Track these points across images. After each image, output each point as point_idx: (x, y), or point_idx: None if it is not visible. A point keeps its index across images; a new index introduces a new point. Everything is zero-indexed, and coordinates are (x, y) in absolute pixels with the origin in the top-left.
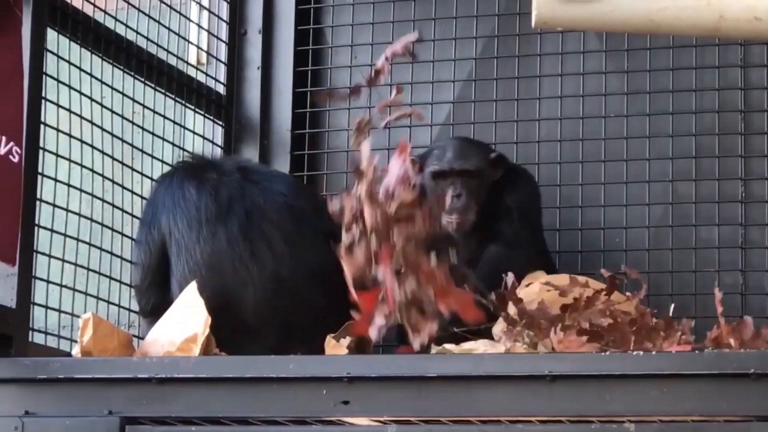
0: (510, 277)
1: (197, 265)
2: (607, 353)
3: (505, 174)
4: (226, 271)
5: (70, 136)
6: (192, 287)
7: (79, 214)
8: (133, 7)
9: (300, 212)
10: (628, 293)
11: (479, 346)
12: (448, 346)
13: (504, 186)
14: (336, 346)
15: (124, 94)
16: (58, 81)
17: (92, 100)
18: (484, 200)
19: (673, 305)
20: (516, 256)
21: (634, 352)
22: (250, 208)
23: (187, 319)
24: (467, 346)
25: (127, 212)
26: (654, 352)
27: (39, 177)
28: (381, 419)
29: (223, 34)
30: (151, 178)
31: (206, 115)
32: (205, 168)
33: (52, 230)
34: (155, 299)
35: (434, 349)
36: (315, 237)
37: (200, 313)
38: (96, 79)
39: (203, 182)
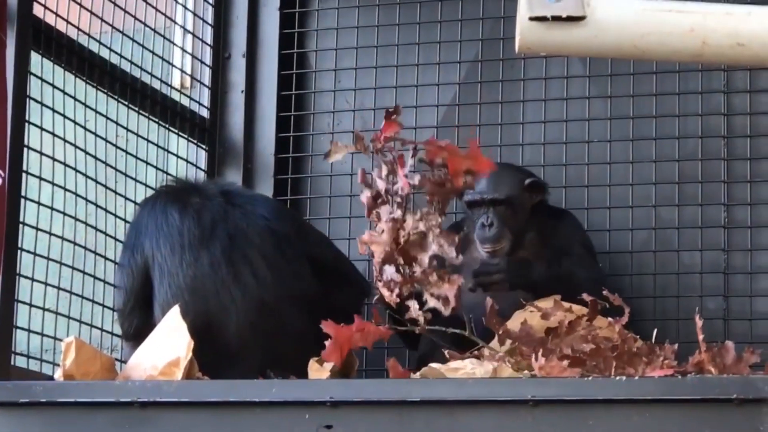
0: (488, 301)
1: (180, 289)
2: (590, 378)
3: (548, 207)
4: (208, 295)
5: (54, 159)
6: (175, 311)
7: (63, 238)
8: (117, 30)
9: (282, 236)
10: (610, 318)
11: (466, 365)
12: (434, 365)
13: (560, 220)
14: (319, 370)
15: (107, 118)
16: (42, 104)
17: (76, 123)
18: (522, 226)
19: (656, 331)
20: (595, 278)
21: (617, 377)
22: (233, 232)
23: (169, 342)
24: (453, 365)
25: (110, 236)
26: (637, 377)
27: (22, 200)
28: None
29: (207, 57)
30: (135, 202)
31: (190, 138)
32: (188, 192)
33: (35, 254)
34: (138, 323)
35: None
36: (297, 261)
37: (183, 336)
38: (80, 102)
39: (186, 206)
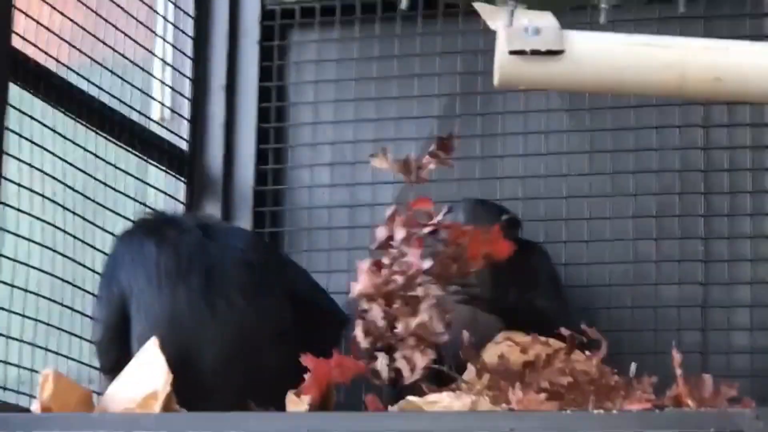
0: (465, 334)
1: (157, 322)
2: (569, 412)
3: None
4: (185, 329)
5: (32, 191)
6: (152, 343)
7: (40, 270)
8: (96, 63)
9: (259, 268)
10: (587, 352)
11: (443, 398)
12: (411, 398)
13: (528, 253)
14: (297, 403)
15: (86, 150)
16: (20, 136)
17: (54, 155)
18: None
19: (635, 365)
20: (556, 309)
21: (595, 411)
22: (210, 266)
23: (147, 375)
24: (431, 398)
25: (88, 268)
26: (615, 411)
27: (0, 232)
28: None
29: (186, 90)
30: (113, 234)
31: (168, 171)
32: (165, 225)
33: (12, 285)
34: (115, 356)
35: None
36: (275, 293)
37: (160, 369)
38: (58, 134)
39: (163, 239)
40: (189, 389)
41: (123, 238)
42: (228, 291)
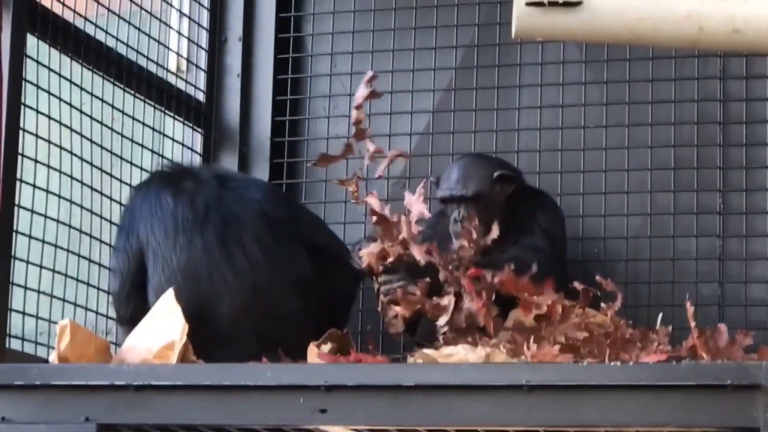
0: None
1: (173, 273)
2: (585, 363)
3: (526, 191)
4: (201, 279)
5: (50, 142)
6: (169, 294)
7: (58, 221)
8: (113, 13)
9: (276, 219)
10: (603, 305)
11: (459, 350)
12: (427, 350)
13: (531, 203)
14: (317, 354)
15: (103, 101)
16: (38, 87)
17: (72, 106)
18: (499, 216)
19: (661, 315)
20: (527, 261)
21: (611, 363)
22: (227, 216)
23: (163, 326)
24: (447, 350)
25: (105, 219)
26: (631, 363)
27: (18, 183)
28: (358, 428)
29: (203, 41)
30: (130, 185)
31: (185, 122)
32: (181, 176)
33: (30, 236)
34: (133, 307)
35: (414, 354)
36: (291, 244)
37: (177, 320)
38: (75, 85)
39: (180, 191)
40: (206, 339)
41: (140, 189)
42: (244, 242)
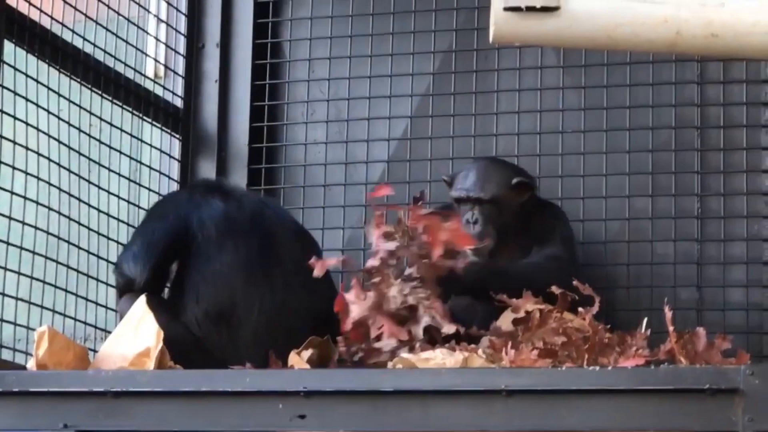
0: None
1: (214, 272)
2: (563, 368)
3: (537, 201)
4: (237, 287)
5: (27, 148)
6: (141, 301)
7: (36, 227)
8: (91, 19)
9: (309, 245)
10: (580, 309)
11: (437, 355)
12: (405, 355)
13: (546, 213)
14: (300, 362)
15: (81, 107)
16: (15, 93)
17: (49, 112)
18: (510, 222)
19: (646, 319)
20: (550, 269)
21: (590, 368)
22: (269, 231)
23: (138, 333)
24: (425, 355)
25: (83, 225)
26: (609, 368)
27: None
28: None
29: (181, 47)
30: (108, 191)
31: (163, 128)
32: (221, 187)
33: (7, 243)
34: (157, 273)
35: (394, 359)
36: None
37: (151, 326)
38: (53, 91)
39: (227, 196)
40: (221, 343)
41: (178, 192)
42: (283, 260)
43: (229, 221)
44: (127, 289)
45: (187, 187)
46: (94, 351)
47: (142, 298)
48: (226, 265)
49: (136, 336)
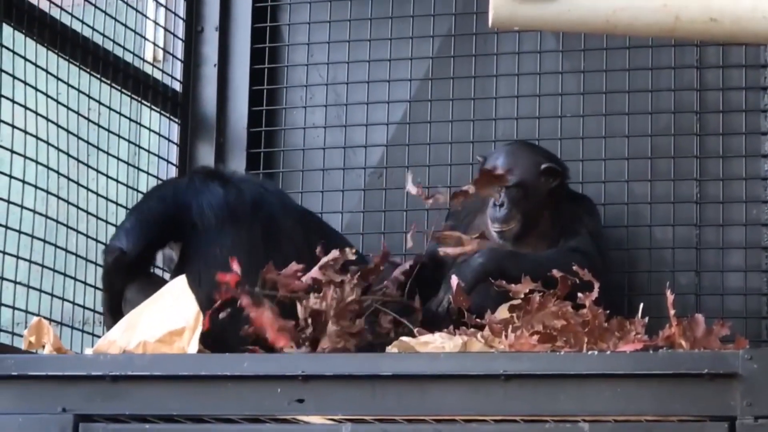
0: (454, 279)
1: (215, 257)
2: (562, 353)
3: (568, 191)
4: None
5: (26, 132)
6: (181, 279)
7: (34, 211)
8: (90, 3)
9: (312, 230)
10: (580, 294)
11: (436, 339)
12: (405, 338)
13: (575, 204)
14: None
15: (79, 91)
16: (14, 77)
17: (48, 96)
18: (537, 209)
19: (642, 305)
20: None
21: (589, 352)
22: (270, 217)
23: (174, 311)
24: (424, 339)
25: (82, 209)
26: (608, 352)
27: None
28: (335, 418)
29: (180, 31)
30: (107, 175)
31: (162, 112)
32: (220, 174)
33: (6, 227)
34: (147, 252)
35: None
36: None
37: (191, 306)
38: (52, 75)
39: (227, 183)
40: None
41: (177, 179)
42: (284, 247)
43: (230, 206)
44: (114, 266)
45: (189, 173)
46: (93, 335)
47: (182, 277)
48: (227, 249)
49: (170, 313)
